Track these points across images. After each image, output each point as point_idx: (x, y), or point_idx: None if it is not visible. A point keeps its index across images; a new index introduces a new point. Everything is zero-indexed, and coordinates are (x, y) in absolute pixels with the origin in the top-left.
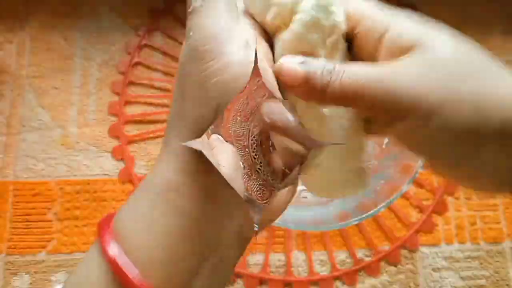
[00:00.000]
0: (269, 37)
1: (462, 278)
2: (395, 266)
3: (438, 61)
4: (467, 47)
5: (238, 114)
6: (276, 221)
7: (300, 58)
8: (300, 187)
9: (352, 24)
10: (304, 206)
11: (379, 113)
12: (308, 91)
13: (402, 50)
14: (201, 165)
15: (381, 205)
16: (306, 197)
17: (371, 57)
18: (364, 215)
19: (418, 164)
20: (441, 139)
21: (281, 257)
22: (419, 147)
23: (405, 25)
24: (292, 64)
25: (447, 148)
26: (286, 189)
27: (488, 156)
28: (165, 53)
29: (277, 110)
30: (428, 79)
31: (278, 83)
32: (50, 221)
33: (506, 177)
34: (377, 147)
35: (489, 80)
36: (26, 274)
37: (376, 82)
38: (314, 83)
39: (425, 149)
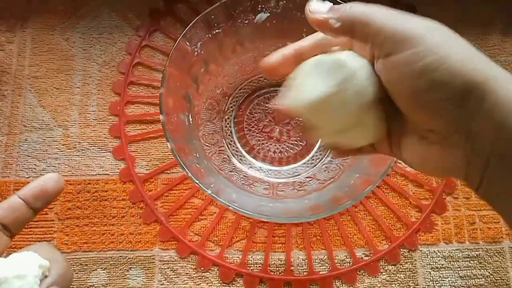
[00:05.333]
0: None
1: (461, 277)
2: (395, 265)
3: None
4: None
5: None
6: (250, 213)
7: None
8: (277, 180)
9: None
10: (280, 199)
11: (378, 40)
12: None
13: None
14: None
15: (354, 198)
16: (282, 191)
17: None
18: (337, 208)
19: (391, 159)
20: (428, 70)
21: (281, 256)
22: (402, 79)
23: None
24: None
25: (424, 84)
26: None
27: (447, 106)
28: (165, 53)
29: None
30: (430, 31)
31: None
32: (51, 220)
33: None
34: None
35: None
36: None
37: (381, 15)
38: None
39: (406, 81)
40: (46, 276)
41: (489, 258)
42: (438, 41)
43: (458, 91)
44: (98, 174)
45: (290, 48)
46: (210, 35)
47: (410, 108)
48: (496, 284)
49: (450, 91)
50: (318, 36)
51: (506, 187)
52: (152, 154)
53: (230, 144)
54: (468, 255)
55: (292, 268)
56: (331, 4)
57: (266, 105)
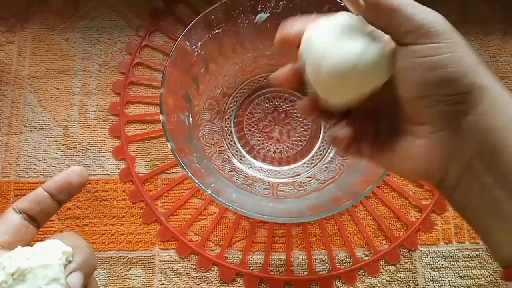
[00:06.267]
0: None
1: (461, 277)
2: (394, 265)
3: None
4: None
5: None
6: (250, 213)
7: None
8: (277, 180)
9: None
10: (280, 199)
11: (396, 24)
12: None
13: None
14: None
15: (354, 198)
16: (282, 191)
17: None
18: (337, 208)
19: None
20: (442, 65)
21: (281, 256)
22: (416, 68)
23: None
24: None
25: (435, 77)
26: None
27: (436, 103)
28: (165, 53)
29: None
30: (452, 31)
31: None
32: (51, 220)
33: (426, 163)
34: None
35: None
36: None
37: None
38: None
39: (419, 70)
40: (70, 262)
41: (489, 258)
42: (457, 42)
43: (462, 90)
44: (98, 174)
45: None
46: (210, 35)
47: (414, 98)
48: (496, 284)
49: (455, 89)
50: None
51: (483, 191)
52: (152, 154)
53: (230, 144)
54: (468, 255)
55: (292, 268)
56: None
57: (267, 104)
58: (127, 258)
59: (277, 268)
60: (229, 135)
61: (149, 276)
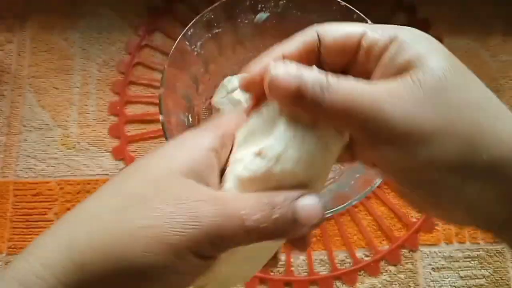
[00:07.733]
0: None
1: (461, 277)
2: (395, 266)
3: (436, 86)
4: (465, 73)
5: None
6: None
7: (293, 68)
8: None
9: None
10: None
11: (365, 134)
12: (299, 103)
13: (399, 69)
14: None
15: (354, 198)
16: None
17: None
18: (337, 208)
19: None
20: (426, 170)
21: (281, 256)
22: (399, 174)
23: (405, 40)
24: (287, 76)
25: (429, 179)
26: None
27: (470, 192)
28: (165, 53)
29: None
30: (424, 106)
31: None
32: (51, 221)
33: (482, 213)
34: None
35: (487, 113)
36: None
37: (370, 102)
38: (306, 96)
39: (405, 176)
40: None
41: (490, 258)
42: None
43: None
44: (97, 174)
45: (274, 55)
46: (210, 35)
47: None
48: (496, 284)
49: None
50: (307, 37)
51: None
52: None
53: None
54: (469, 255)
55: (292, 268)
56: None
57: None
58: None
59: (277, 269)
60: None
61: None
